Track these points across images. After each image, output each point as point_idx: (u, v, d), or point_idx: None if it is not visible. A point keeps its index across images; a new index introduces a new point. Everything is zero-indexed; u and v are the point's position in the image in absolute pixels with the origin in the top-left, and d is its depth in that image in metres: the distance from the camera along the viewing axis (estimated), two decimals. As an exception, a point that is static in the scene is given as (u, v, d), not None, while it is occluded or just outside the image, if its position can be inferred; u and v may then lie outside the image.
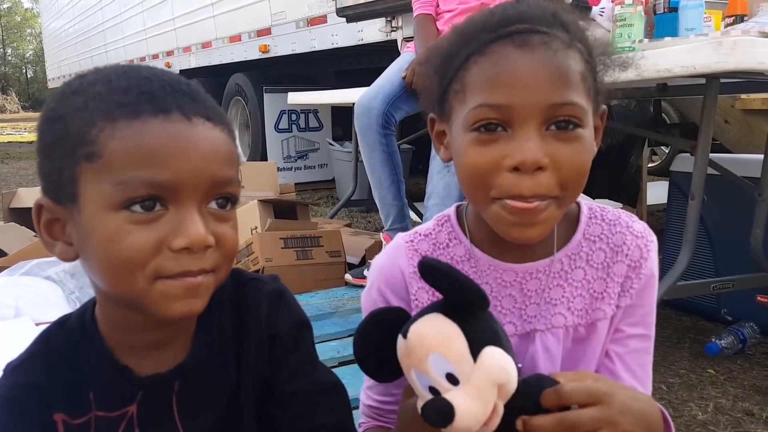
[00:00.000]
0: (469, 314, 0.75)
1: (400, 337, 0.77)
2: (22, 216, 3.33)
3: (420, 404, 0.74)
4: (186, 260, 0.68)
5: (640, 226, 0.94)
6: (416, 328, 0.76)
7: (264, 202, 3.13)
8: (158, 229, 0.67)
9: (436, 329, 0.75)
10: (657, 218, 4.28)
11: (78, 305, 0.84)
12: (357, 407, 1.00)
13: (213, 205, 0.71)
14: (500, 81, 0.79)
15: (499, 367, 0.73)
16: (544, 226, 0.81)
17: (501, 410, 0.73)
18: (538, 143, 0.78)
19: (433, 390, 0.74)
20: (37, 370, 0.77)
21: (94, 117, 0.67)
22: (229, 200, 0.73)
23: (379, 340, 0.80)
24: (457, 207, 0.99)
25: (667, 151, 6.22)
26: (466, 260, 0.93)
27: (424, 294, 0.93)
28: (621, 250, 0.92)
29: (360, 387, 1.01)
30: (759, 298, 2.50)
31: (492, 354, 0.73)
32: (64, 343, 0.78)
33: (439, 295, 0.78)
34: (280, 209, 3.26)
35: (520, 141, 0.78)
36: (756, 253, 2.36)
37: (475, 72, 0.81)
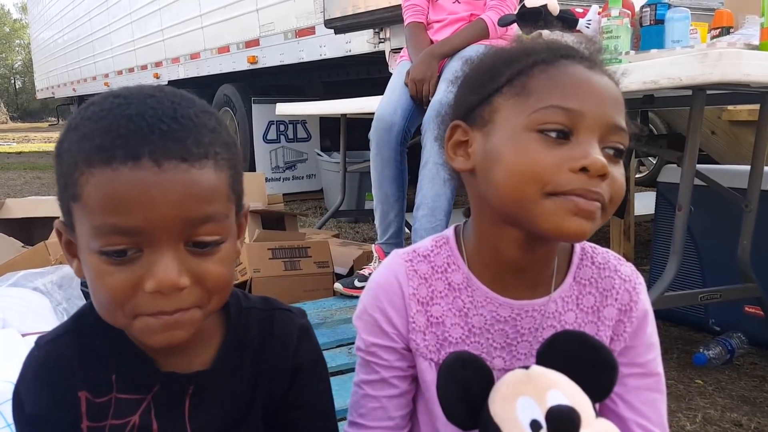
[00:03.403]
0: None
1: (517, 370, 0.81)
2: (9, 226, 3.28)
3: None
4: (160, 301, 0.69)
5: (628, 269, 0.95)
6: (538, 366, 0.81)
7: (252, 213, 3.12)
8: (134, 270, 0.69)
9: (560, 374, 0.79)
10: (644, 229, 4.30)
11: (66, 317, 0.88)
12: (343, 418, 0.99)
13: (191, 245, 0.71)
14: (575, 88, 0.80)
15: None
16: (595, 225, 0.81)
17: None
18: (600, 154, 0.79)
19: (534, 424, 0.74)
20: (67, 344, 0.81)
21: (78, 161, 0.68)
22: (209, 244, 0.71)
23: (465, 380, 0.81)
24: (455, 228, 0.97)
25: (654, 162, 6.25)
26: (464, 288, 0.92)
27: (421, 318, 0.92)
28: (610, 294, 0.93)
29: (347, 398, 1.00)
30: (747, 308, 2.52)
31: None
32: (95, 325, 0.79)
33: (433, 319, 0.87)
34: (268, 220, 3.26)
35: (588, 148, 0.78)
36: (743, 264, 2.37)
37: (544, 78, 0.82)
